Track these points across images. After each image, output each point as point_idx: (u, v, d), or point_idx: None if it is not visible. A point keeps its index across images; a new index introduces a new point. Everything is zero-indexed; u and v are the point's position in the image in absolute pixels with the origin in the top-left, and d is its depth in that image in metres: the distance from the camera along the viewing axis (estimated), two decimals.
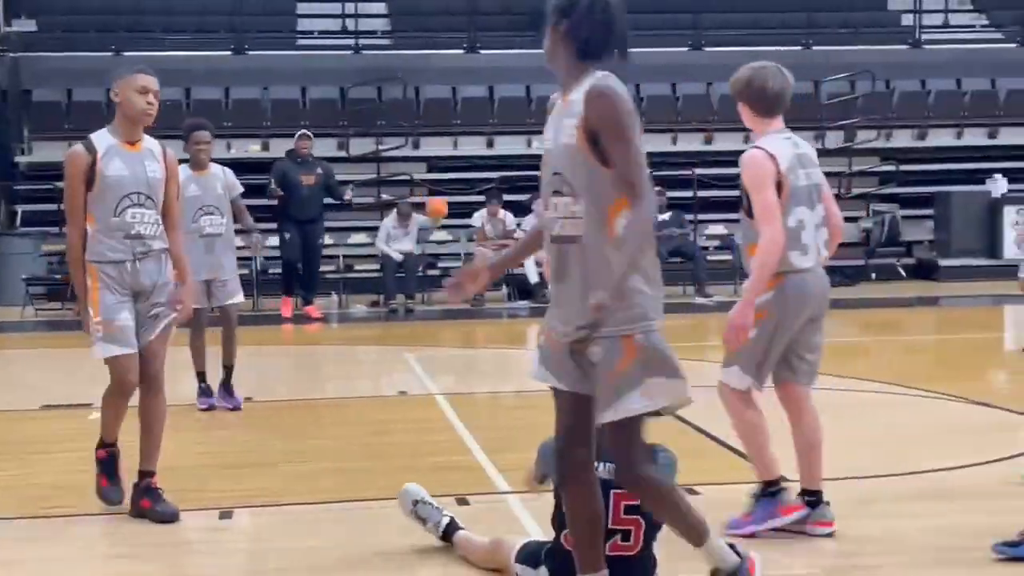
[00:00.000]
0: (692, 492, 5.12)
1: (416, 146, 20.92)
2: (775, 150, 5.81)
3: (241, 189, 10.12)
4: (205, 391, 9.89)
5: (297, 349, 14.38)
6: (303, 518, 6.48)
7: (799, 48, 22.19)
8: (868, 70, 21.32)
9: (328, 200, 17.21)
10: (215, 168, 9.89)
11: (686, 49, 22.58)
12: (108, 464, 6.72)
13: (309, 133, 17.06)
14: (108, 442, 6.71)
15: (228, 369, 9.83)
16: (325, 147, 19.86)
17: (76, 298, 6.66)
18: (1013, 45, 23.81)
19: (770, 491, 5.91)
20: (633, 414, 4.35)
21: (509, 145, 21.03)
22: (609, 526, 4.66)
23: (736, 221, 20.77)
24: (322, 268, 17.81)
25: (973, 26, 25.11)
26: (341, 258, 18.94)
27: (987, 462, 7.35)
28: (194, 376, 9.85)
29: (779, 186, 5.75)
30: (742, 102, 5.94)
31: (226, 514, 6.59)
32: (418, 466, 7.40)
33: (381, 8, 24.30)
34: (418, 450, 8.10)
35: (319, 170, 16.89)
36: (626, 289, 4.28)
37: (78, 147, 6.45)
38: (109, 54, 20.88)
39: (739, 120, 5.96)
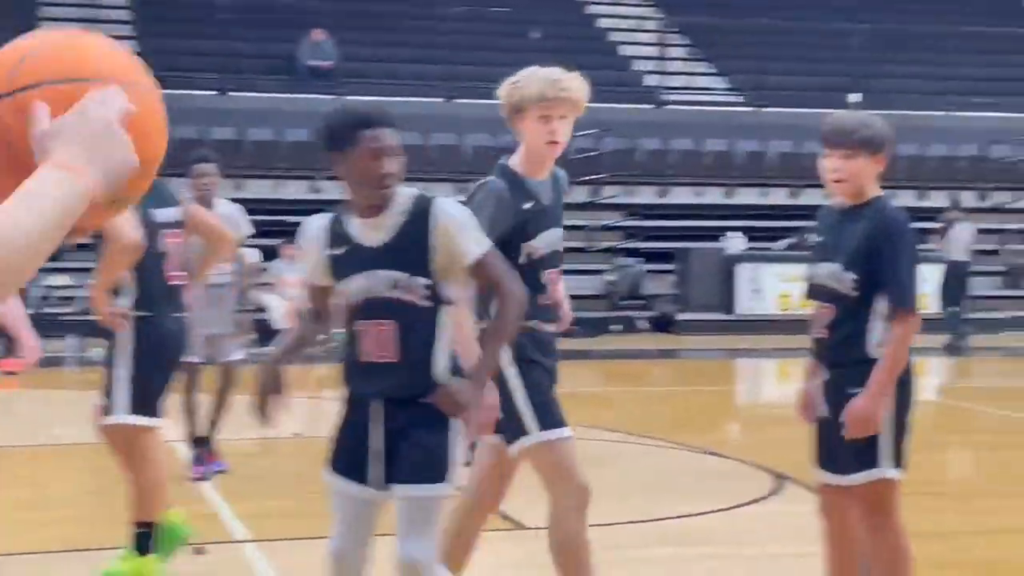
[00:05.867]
0: None
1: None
2: None
3: None
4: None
5: (18, 393, 13.67)
6: (45, 568, 6.19)
7: None
8: (612, 128, 21.85)
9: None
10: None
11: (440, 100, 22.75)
12: None
13: None
14: None
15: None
16: None
17: None
18: (751, 108, 24.79)
19: None
20: None
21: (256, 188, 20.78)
22: None
23: None
24: (57, 310, 17.12)
25: (714, 88, 26.05)
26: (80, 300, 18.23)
27: (721, 509, 7.55)
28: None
29: None
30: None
31: None
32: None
33: None
34: None
35: None
36: None
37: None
38: None
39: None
